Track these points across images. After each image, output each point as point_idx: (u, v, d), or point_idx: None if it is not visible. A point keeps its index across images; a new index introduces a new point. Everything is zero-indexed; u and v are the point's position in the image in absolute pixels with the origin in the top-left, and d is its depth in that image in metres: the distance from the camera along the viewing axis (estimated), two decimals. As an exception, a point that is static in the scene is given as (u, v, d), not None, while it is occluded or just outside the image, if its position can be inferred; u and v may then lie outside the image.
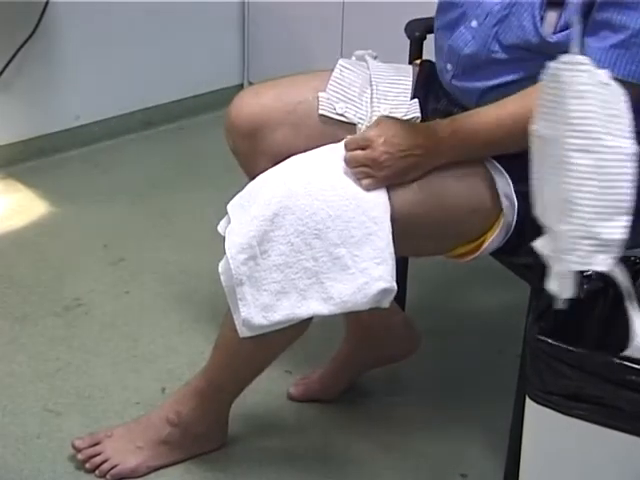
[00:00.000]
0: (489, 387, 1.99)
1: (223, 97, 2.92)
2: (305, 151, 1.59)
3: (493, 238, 1.57)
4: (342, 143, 1.55)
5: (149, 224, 2.57)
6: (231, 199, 1.60)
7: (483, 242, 1.58)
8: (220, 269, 1.55)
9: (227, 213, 1.58)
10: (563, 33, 1.48)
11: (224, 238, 1.55)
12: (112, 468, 1.73)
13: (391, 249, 1.50)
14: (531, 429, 1.49)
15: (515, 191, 1.55)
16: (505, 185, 1.55)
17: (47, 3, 2.69)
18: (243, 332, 1.55)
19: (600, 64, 1.41)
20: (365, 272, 1.49)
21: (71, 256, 2.41)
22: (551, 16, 1.50)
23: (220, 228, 1.63)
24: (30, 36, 2.70)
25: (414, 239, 1.56)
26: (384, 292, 1.50)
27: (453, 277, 2.31)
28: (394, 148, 1.51)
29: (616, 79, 1.38)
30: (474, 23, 1.59)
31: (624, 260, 1.56)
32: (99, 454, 1.74)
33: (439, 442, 1.87)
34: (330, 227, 1.48)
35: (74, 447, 1.76)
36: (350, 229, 1.48)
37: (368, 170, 1.50)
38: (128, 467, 1.73)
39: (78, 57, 2.86)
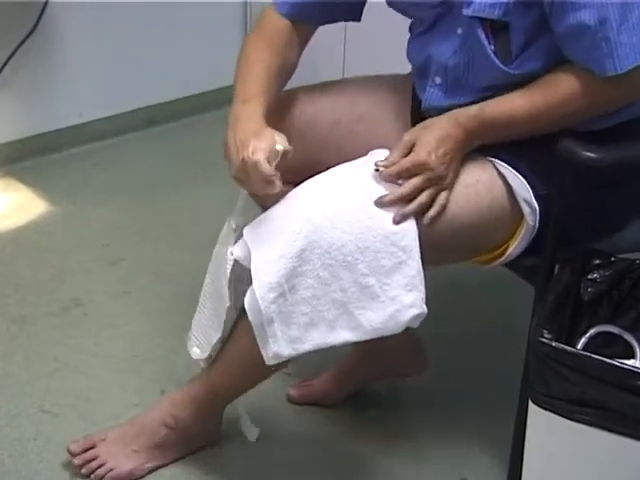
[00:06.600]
0: (492, 391, 1.98)
1: (226, 95, 2.90)
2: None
3: (517, 244, 1.57)
4: (359, 162, 1.54)
5: (149, 223, 2.55)
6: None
7: (507, 249, 1.58)
8: (247, 306, 1.50)
9: (242, 236, 1.54)
10: (519, 61, 1.50)
11: (242, 259, 1.52)
12: (108, 472, 1.72)
13: (422, 275, 1.49)
14: (534, 433, 1.48)
15: (535, 196, 1.54)
16: (524, 191, 1.54)
17: (46, 3, 2.67)
18: (270, 362, 1.54)
19: (580, 70, 1.45)
20: (396, 300, 1.48)
21: (70, 255, 2.40)
22: (502, 45, 1.50)
23: (237, 251, 1.54)
24: (29, 34, 2.68)
25: (438, 254, 1.54)
26: (416, 317, 1.50)
27: (456, 280, 2.28)
28: (445, 157, 1.50)
29: (599, 78, 1.43)
30: (438, 80, 1.60)
31: (628, 263, 1.56)
32: (95, 458, 1.73)
33: (441, 445, 1.86)
34: (359, 259, 1.46)
35: (69, 452, 1.75)
36: (379, 259, 1.46)
37: (435, 188, 1.49)
38: (124, 471, 1.72)
39: (80, 55, 2.86)
